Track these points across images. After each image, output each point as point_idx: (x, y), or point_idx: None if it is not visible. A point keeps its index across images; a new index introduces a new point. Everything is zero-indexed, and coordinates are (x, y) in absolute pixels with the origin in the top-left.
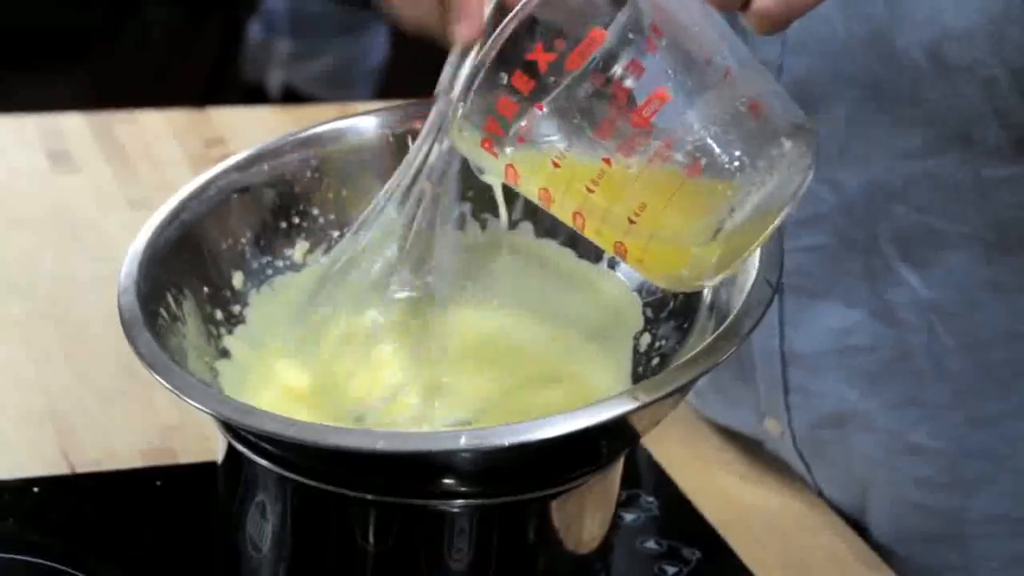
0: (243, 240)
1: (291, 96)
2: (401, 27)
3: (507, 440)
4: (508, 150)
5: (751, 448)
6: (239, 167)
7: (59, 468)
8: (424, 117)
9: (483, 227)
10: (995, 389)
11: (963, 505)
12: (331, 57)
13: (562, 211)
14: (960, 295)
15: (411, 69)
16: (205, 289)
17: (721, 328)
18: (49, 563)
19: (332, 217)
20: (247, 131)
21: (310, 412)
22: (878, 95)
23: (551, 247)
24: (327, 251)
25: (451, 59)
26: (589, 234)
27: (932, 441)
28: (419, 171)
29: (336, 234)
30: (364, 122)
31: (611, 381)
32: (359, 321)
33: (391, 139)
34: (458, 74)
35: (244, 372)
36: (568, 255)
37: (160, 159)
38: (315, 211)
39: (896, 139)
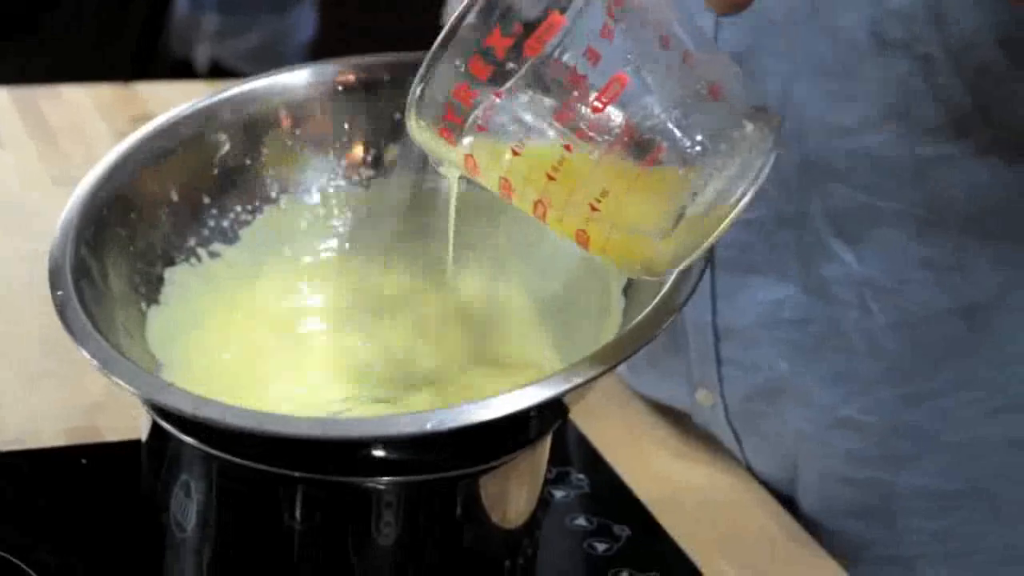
0: (173, 206)
1: (219, 73)
2: None
3: (428, 427)
4: (467, 139)
5: (682, 425)
6: (166, 131)
7: None
8: (353, 72)
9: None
10: (926, 366)
11: (892, 480)
12: (259, 33)
13: (523, 201)
14: (893, 272)
15: (340, 45)
16: (134, 260)
17: (653, 304)
18: None
19: (267, 179)
20: (175, 106)
21: (242, 388)
22: (813, 70)
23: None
24: (257, 212)
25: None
26: (551, 223)
27: (863, 416)
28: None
29: (274, 195)
30: (294, 77)
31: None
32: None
33: (325, 93)
34: None
35: (173, 344)
36: None
37: (86, 135)
38: (247, 173)
39: (831, 115)
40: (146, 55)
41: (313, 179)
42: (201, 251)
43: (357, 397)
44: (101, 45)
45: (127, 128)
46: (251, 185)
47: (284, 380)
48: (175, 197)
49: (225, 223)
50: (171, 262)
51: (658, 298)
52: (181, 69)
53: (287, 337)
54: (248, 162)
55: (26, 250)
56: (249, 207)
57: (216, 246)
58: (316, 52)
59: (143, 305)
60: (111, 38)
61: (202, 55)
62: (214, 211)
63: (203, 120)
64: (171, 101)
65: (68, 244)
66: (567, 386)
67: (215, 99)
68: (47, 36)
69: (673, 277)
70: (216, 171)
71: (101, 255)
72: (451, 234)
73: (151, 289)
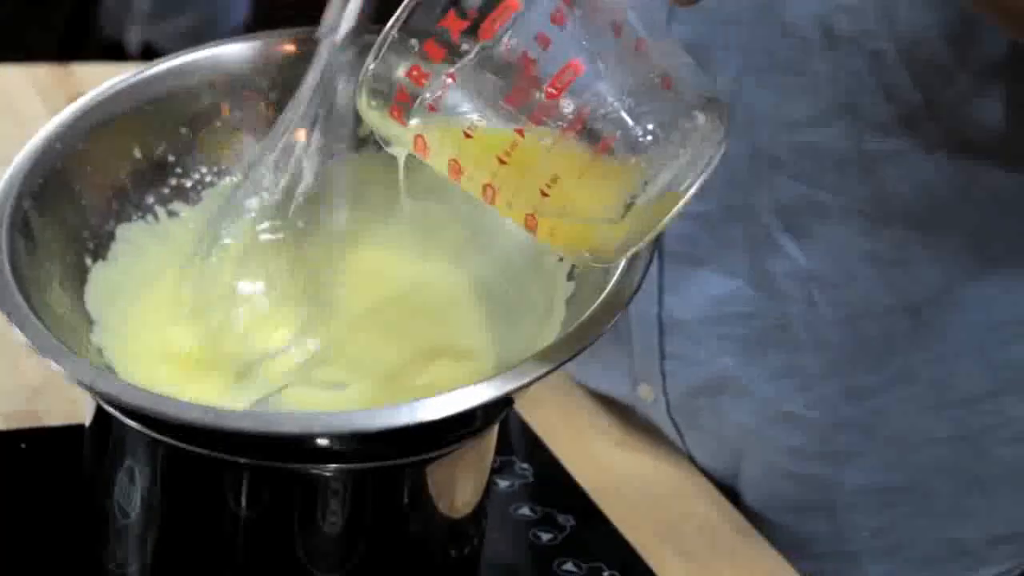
0: (135, 162)
1: (151, 55)
2: None
3: (369, 425)
4: (417, 120)
5: (625, 415)
6: (135, 86)
7: None
8: (293, 42)
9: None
10: (869, 361)
11: (834, 475)
12: (191, 15)
13: (472, 183)
14: (839, 267)
15: (272, 27)
16: (86, 214)
17: (599, 300)
18: None
19: (204, 154)
20: None
21: (191, 371)
22: (763, 64)
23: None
24: (225, 175)
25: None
26: (500, 207)
27: (806, 411)
28: (304, 118)
29: (204, 170)
30: (230, 49)
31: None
32: (247, 265)
33: (260, 65)
34: (342, 17)
35: (113, 303)
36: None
37: (22, 115)
38: (217, 134)
39: (781, 109)
40: (76, 36)
41: (282, 151)
42: (159, 209)
43: (292, 374)
44: (29, 25)
45: (64, 108)
46: (219, 147)
47: (219, 351)
48: (137, 154)
49: (188, 183)
50: (127, 218)
51: (604, 295)
52: (113, 51)
53: (229, 305)
54: (218, 124)
55: None
56: (216, 169)
57: (176, 205)
58: (250, 33)
59: (88, 260)
60: (39, 19)
61: (134, 37)
62: (178, 170)
63: (177, 77)
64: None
65: (9, 198)
66: (514, 385)
67: (190, 57)
68: None
69: (618, 273)
70: (184, 130)
71: (47, 207)
72: (406, 211)
73: (100, 245)
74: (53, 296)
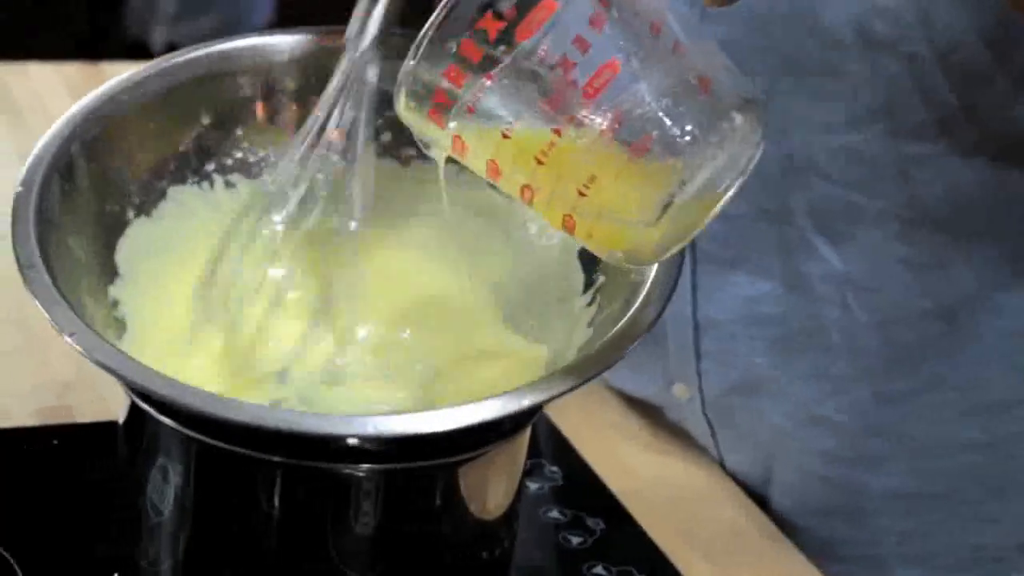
0: (203, 128)
1: None
2: None
3: (405, 430)
4: (455, 122)
5: (653, 419)
6: (183, 64)
7: None
8: (327, 38)
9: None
10: (902, 366)
11: (864, 479)
12: (215, 16)
13: (510, 184)
14: (874, 270)
15: (298, 24)
16: (139, 169)
17: (631, 311)
18: None
19: (273, 134)
20: None
21: (208, 350)
22: (799, 67)
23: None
24: (263, 165)
25: (360, 4)
26: (538, 208)
27: (838, 415)
28: (327, 122)
29: (272, 149)
30: (267, 42)
31: (549, 353)
32: (274, 271)
33: (294, 62)
34: (367, 21)
35: (145, 259)
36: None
37: (52, 112)
38: (288, 114)
39: (816, 112)
40: (101, 35)
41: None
42: (217, 177)
43: (322, 374)
44: (54, 24)
45: None
46: (289, 130)
47: (240, 344)
48: (206, 120)
49: (252, 159)
50: (182, 180)
51: (637, 303)
52: (136, 51)
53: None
54: (294, 107)
55: None
56: (281, 151)
57: (235, 177)
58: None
59: (130, 213)
60: (64, 17)
61: (159, 37)
62: (244, 144)
63: (259, 54)
64: None
65: (57, 138)
66: (549, 395)
67: (273, 38)
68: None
69: (651, 279)
70: (259, 105)
71: (96, 154)
72: (447, 214)
73: (147, 201)
74: (80, 240)
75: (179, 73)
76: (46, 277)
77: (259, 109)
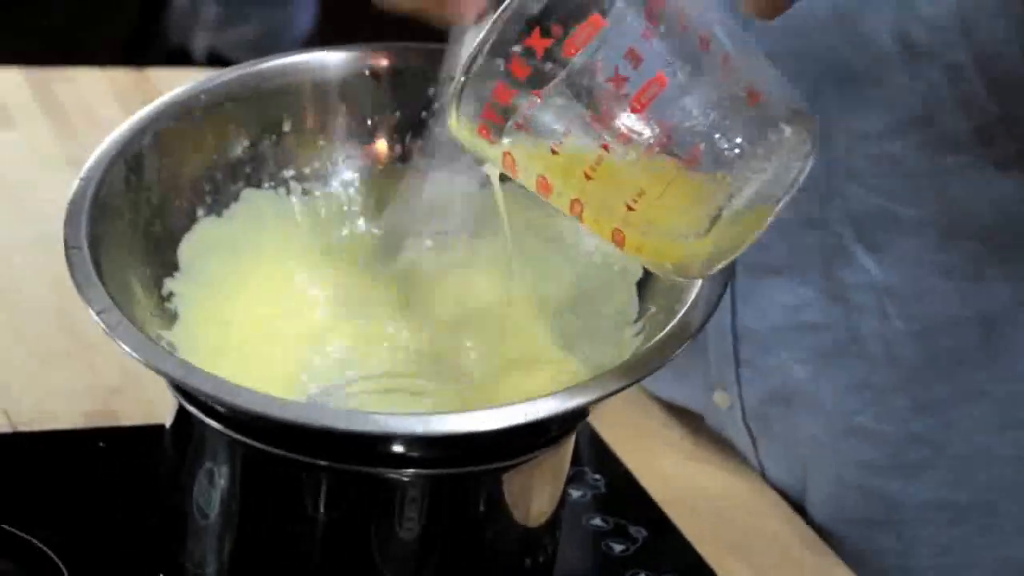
0: (282, 135)
1: (217, 62)
2: (395, 10)
3: (453, 429)
4: (506, 139)
5: (695, 428)
6: (267, 71)
7: (0, 428)
8: (387, 56)
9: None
10: (941, 375)
11: (902, 490)
12: (258, 23)
13: (561, 200)
14: (913, 280)
15: (339, 38)
16: (212, 170)
17: (677, 317)
18: None
19: (284, 154)
20: None
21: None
22: (840, 75)
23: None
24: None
25: (451, 45)
26: (588, 223)
27: (877, 424)
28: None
29: (307, 170)
30: (327, 57)
31: (604, 361)
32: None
33: (354, 76)
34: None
35: (208, 257)
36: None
37: (99, 118)
38: (269, 145)
39: (856, 120)
40: (142, 42)
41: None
42: (295, 185)
43: (374, 380)
44: (96, 30)
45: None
46: (279, 163)
47: (295, 341)
48: (287, 128)
49: (330, 169)
50: (257, 184)
51: (682, 311)
52: (178, 57)
53: (308, 301)
54: (376, 119)
55: (42, 233)
56: (360, 165)
57: (313, 185)
58: (314, 44)
59: (200, 211)
60: (106, 23)
61: (200, 44)
62: (325, 154)
63: (354, 66)
64: None
65: (130, 131)
66: (592, 397)
67: (370, 49)
68: (36, 20)
69: (696, 288)
70: (343, 118)
71: (169, 150)
72: (506, 230)
73: (219, 201)
74: (138, 233)
75: (266, 78)
76: (88, 257)
77: (343, 121)
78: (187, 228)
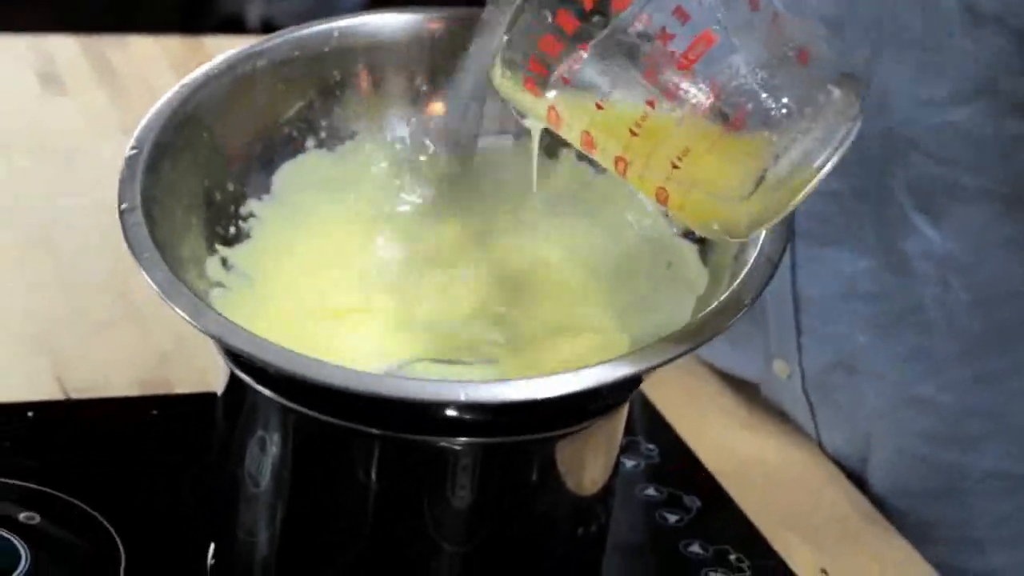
0: (318, 101)
1: (270, 30)
2: None
3: (504, 396)
4: (552, 92)
5: (750, 397)
6: (248, 57)
7: (54, 395)
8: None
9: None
10: (1001, 346)
11: (964, 460)
12: None
13: (605, 156)
14: (974, 249)
15: (391, 6)
16: (211, 197)
17: (733, 285)
18: (41, 488)
19: (345, 116)
20: None
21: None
22: (902, 40)
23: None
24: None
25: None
26: (632, 180)
27: (938, 395)
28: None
29: (352, 132)
30: (386, 18)
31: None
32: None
33: (414, 36)
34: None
35: (252, 294)
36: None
37: (153, 85)
38: (329, 110)
39: (918, 87)
40: (196, 8)
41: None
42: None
43: (425, 352)
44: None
45: None
46: (337, 125)
47: (349, 316)
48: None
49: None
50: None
51: (739, 279)
52: (231, 24)
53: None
54: (339, 100)
55: (94, 198)
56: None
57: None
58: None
59: (311, 142)
60: None
61: (253, 11)
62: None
63: (416, 29)
64: None
65: (185, 90)
66: (647, 365)
67: (309, 30)
68: None
69: (754, 256)
70: (304, 107)
71: (235, 107)
72: (535, 184)
73: (334, 135)
74: (210, 182)
75: (322, 39)
76: (142, 219)
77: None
78: (263, 180)
